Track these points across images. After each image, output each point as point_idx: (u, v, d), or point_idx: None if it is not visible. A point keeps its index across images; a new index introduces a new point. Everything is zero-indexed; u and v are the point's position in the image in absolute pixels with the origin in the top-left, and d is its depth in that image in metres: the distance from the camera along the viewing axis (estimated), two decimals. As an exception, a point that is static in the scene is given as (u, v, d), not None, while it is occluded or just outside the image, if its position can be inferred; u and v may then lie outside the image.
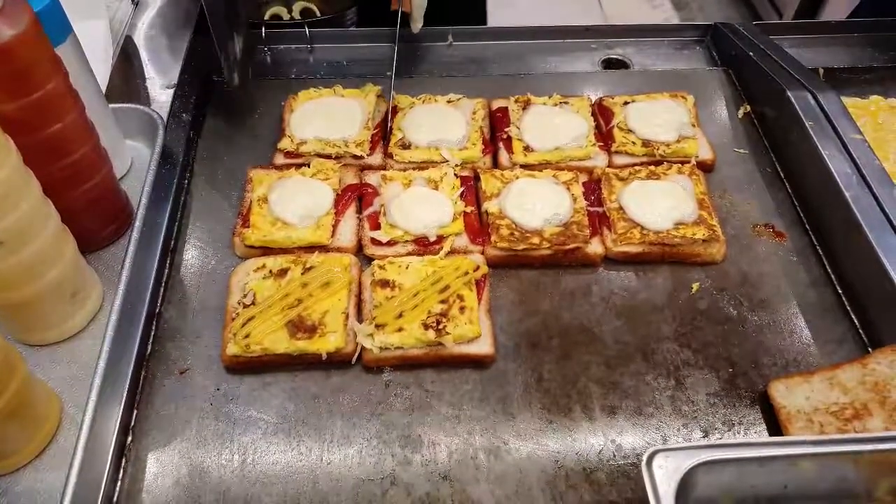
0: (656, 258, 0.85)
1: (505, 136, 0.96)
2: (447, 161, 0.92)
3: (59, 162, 0.73)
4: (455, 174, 0.90)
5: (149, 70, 1.08)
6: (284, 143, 0.93)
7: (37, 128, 0.69)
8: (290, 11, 1.24)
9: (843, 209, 0.82)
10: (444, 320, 0.74)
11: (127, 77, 1.06)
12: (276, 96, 1.02)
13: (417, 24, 1.00)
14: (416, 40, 1.13)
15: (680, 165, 0.92)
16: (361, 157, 0.92)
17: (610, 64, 1.14)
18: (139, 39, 1.13)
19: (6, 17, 0.63)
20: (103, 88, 0.91)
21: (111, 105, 0.89)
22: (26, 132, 0.67)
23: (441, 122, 0.95)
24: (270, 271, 0.79)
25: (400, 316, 0.75)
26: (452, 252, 0.83)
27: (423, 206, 0.85)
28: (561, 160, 0.93)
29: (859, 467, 0.57)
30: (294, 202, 0.85)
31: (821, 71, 1.07)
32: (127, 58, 1.09)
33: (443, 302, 0.76)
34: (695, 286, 0.83)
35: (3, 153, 0.61)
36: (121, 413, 0.68)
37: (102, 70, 1.01)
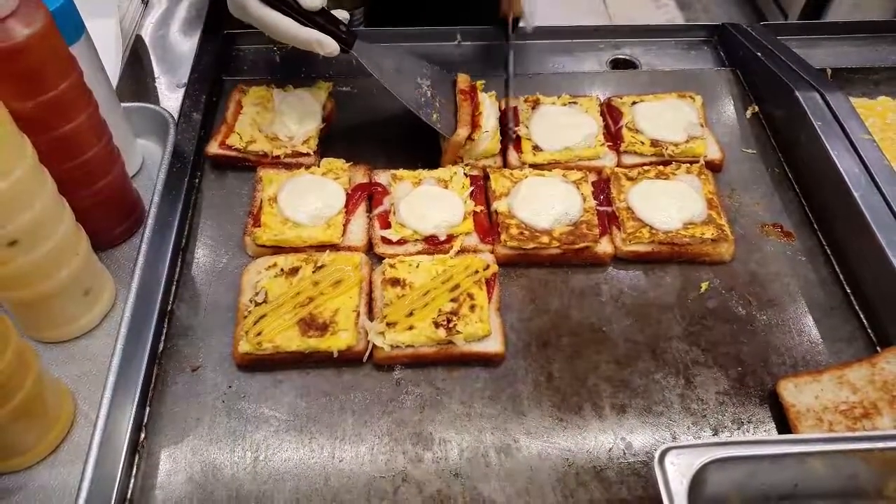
0: (665, 257, 0.85)
1: (514, 136, 0.96)
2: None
3: (73, 160, 0.73)
4: (465, 173, 0.90)
5: (158, 69, 1.08)
6: (233, 140, 0.92)
7: (51, 126, 0.69)
8: (298, 11, 1.24)
9: (852, 209, 0.82)
10: (454, 319, 0.75)
11: (137, 76, 1.07)
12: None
13: (533, 19, 0.97)
14: (426, 40, 1.13)
15: (688, 165, 0.92)
16: (307, 155, 0.92)
17: (618, 64, 1.15)
18: (149, 38, 1.14)
19: (22, 17, 0.63)
20: (114, 87, 0.91)
21: (122, 104, 0.90)
22: (41, 131, 0.67)
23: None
24: (282, 270, 0.79)
25: (410, 314, 0.75)
26: (462, 251, 0.83)
27: (433, 205, 0.85)
28: (570, 160, 0.93)
29: (869, 465, 0.57)
30: (304, 201, 0.85)
31: (829, 71, 1.07)
32: (137, 57, 1.10)
33: (453, 300, 0.76)
34: (704, 285, 0.83)
35: (19, 152, 0.62)
36: (134, 410, 0.68)
37: (113, 69, 1.02)
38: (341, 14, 0.84)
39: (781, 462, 0.56)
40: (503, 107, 0.98)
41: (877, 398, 0.68)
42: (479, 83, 0.97)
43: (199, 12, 1.16)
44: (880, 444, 0.55)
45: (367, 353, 0.75)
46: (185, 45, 1.11)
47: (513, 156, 0.95)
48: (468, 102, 0.91)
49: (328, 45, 0.80)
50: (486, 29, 1.14)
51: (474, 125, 0.90)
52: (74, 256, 0.70)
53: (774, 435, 0.70)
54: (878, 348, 0.77)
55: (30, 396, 0.62)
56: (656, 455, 0.55)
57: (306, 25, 0.80)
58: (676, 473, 0.53)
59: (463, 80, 0.95)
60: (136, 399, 0.69)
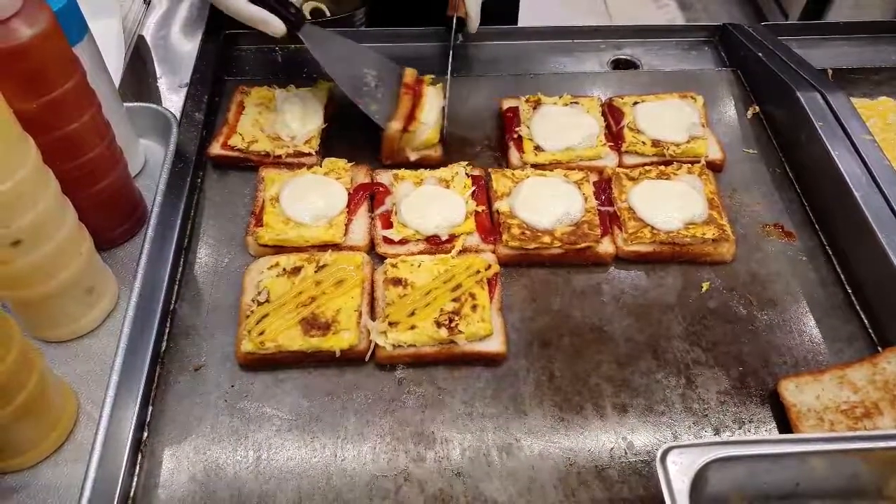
0: (667, 257, 0.85)
1: (516, 136, 0.96)
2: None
3: (75, 160, 0.73)
4: (466, 173, 0.90)
5: (160, 69, 1.09)
6: (235, 140, 0.93)
7: (54, 126, 0.70)
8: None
9: (853, 209, 0.82)
10: (456, 318, 0.75)
11: (139, 76, 1.07)
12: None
13: (474, 24, 0.99)
14: (427, 40, 1.14)
15: (690, 165, 0.92)
16: (310, 154, 0.92)
17: (619, 64, 1.15)
18: (150, 39, 1.14)
19: (25, 17, 0.63)
20: (116, 87, 0.92)
21: (125, 104, 0.90)
22: (44, 131, 0.68)
23: None
24: (284, 269, 0.80)
25: (412, 314, 0.75)
26: (464, 251, 0.83)
27: (434, 205, 0.86)
28: (571, 160, 0.94)
29: (870, 465, 0.57)
30: (306, 201, 0.86)
31: (829, 71, 1.07)
32: (139, 57, 1.10)
33: (455, 300, 0.77)
34: (705, 285, 0.84)
35: (23, 152, 0.62)
36: (137, 409, 0.68)
37: (115, 69, 1.02)
38: None
39: (783, 461, 0.56)
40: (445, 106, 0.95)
41: (878, 398, 0.68)
42: (428, 77, 0.97)
43: (201, 13, 1.16)
44: (881, 444, 0.55)
45: (369, 353, 0.75)
46: (187, 45, 1.11)
47: (514, 156, 0.95)
48: (409, 96, 0.92)
49: (273, 25, 0.83)
50: (488, 29, 1.15)
51: (411, 118, 0.90)
52: (77, 256, 0.71)
53: (776, 435, 0.70)
54: (879, 348, 0.77)
55: (33, 396, 0.62)
56: (658, 454, 0.55)
57: (254, 3, 0.82)
58: (678, 472, 0.53)
59: (409, 73, 0.95)
60: (139, 398, 0.69)
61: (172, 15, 1.18)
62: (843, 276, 0.84)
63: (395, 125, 0.89)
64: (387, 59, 0.95)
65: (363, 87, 0.90)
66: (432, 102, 0.94)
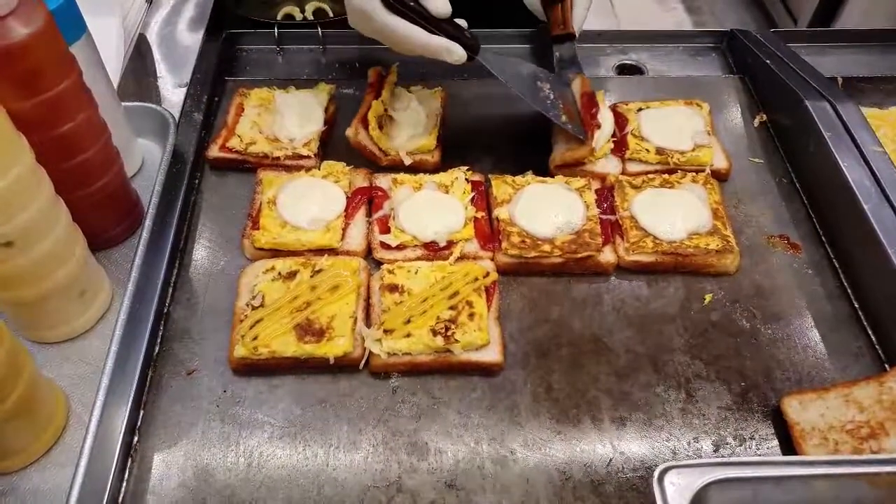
0: (669, 268, 0.84)
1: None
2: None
3: (71, 160, 0.73)
4: (466, 178, 0.89)
5: (161, 69, 1.08)
6: (234, 142, 0.92)
7: (50, 126, 0.69)
8: (302, 11, 1.23)
9: (861, 222, 0.81)
10: (452, 327, 0.74)
11: (139, 75, 1.06)
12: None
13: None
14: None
15: (694, 174, 0.90)
16: (308, 157, 0.91)
17: (624, 69, 1.13)
18: (152, 38, 1.13)
19: (21, 16, 0.63)
20: (115, 86, 0.91)
21: (123, 103, 0.89)
22: (39, 130, 0.67)
23: None
24: (279, 273, 0.79)
25: (408, 321, 0.74)
26: (462, 258, 0.82)
27: (433, 210, 0.84)
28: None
29: (876, 489, 0.56)
30: (304, 205, 0.85)
31: (839, 80, 1.05)
32: (139, 56, 1.09)
33: (452, 308, 0.75)
34: (707, 297, 0.82)
35: (16, 152, 0.62)
36: (128, 413, 0.67)
37: (114, 68, 1.01)
38: (461, 21, 0.83)
39: (786, 484, 0.54)
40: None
41: (884, 418, 0.66)
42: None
43: (204, 12, 1.15)
44: (888, 468, 0.53)
45: (363, 361, 0.74)
46: (190, 44, 1.11)
47: (516, 161, 0.94)
48: (370, 96, 0.90)
49: (456, 53, 0.80)
50: (492, 32, 1.13)
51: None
52: (71, 257, 0.70)
53: (778, 453, 0.69)
54: (887, 365, 0.75)
55: (23, 398, 0.62)
56: (655, 474, 0.54)
57: (433, 33, 0.79)
58: (676, 494, 0.52)
59: (372, 72, 0.94)
60: (130, 402, 0.68)
61: (177, 13, 1.17)
62: (849, 290, 0.83)
63: (350, 131, 0.89)
64: (543, 68, 0.92)
65: (546, 100, 0.88)
66: (429, 107, 0.92)
